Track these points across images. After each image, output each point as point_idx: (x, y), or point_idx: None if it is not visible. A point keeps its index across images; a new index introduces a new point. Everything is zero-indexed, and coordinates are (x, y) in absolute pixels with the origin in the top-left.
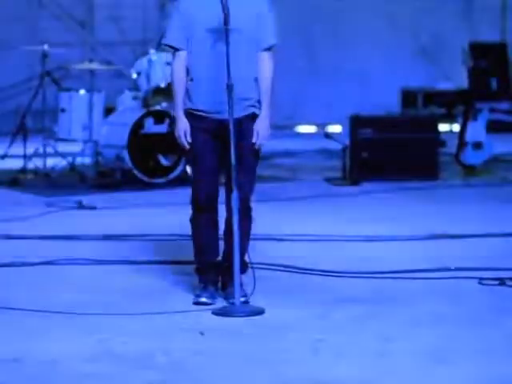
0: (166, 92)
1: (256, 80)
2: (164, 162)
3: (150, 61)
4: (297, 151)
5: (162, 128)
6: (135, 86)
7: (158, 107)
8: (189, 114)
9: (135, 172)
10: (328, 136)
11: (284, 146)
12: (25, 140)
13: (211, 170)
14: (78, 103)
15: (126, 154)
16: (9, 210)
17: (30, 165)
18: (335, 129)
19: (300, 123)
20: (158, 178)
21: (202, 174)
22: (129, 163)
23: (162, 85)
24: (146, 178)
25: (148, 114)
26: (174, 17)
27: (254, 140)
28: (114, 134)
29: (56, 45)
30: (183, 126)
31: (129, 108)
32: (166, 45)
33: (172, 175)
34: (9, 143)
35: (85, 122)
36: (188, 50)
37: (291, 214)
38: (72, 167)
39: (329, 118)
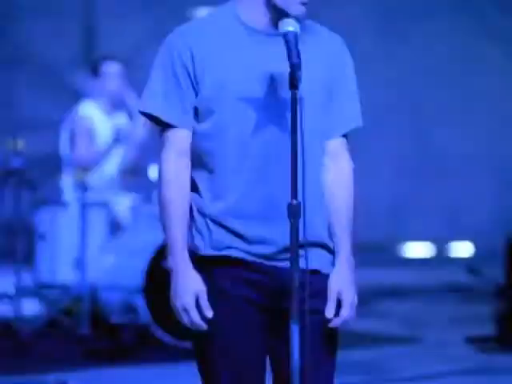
0: None
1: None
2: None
3: None
4: (410, 288)
5: None
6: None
7: None
8: (201, 263)
9: (155, 330)
10: (474, 272)
11: (388, 280)
12: None
13: (247, 371)
14: (65, 224)
15: (140, 301)
16: None
17: None
18: (462, 248)
19: (406, 241)
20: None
21: (227, 381)
22: (146, 316)
23: None
24: (171, 340)
25: None
26: (165, 69)
27: (329, 313)
28: (123, 268)
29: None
30: (192, 287)
31: (147, 224)
32: (147, 114)
33: None
34: None
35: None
36: (197, 135)
37: None
38: (54, 322)
39: (450, 231)
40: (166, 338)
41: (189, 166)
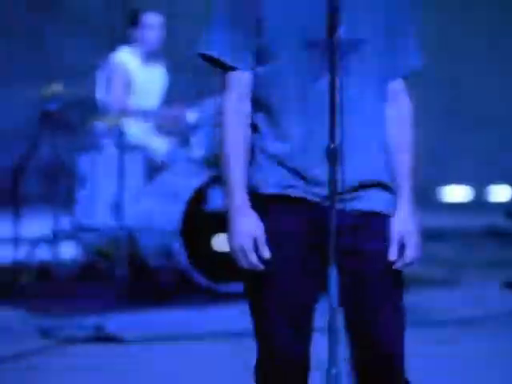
0: None
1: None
2: None
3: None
4: (448, 232)
5: None
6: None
7: None
8: (260, 201)
9: (192, 274)
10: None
11: (427, 224)
12: (17, 214)
13: (300, 314)
14: (102, 168)
15: (177, 245)
16: None
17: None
18: (501, 192)
19: (445, 185)
20: (229, 284)
21: (279, 323)
22: (182, 260)
23: None
24: (209, 284)
25: (215, 178)
26: (226, 8)
27: (392, 255)
28: (160, 212)
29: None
30: (250, 228)
31: (184, 168)
32: (207, 56)
33: None
34: None
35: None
36: (257, 78)
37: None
38: (92, 266)
39: (490, 175)
40: (203, 281)
41: (249, 108)
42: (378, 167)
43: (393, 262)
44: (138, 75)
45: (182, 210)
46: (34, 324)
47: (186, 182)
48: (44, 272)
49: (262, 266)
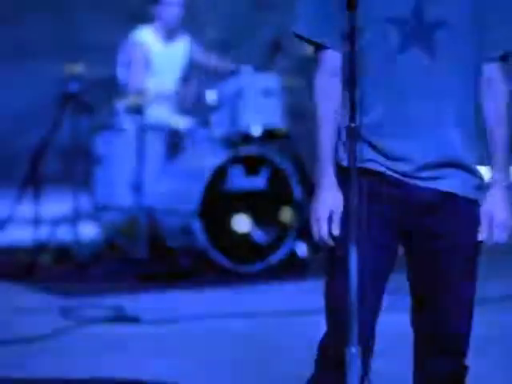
0: (261, 143)
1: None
2: (259, 237)
3: (239, 86)
4: None
5: (257, 182)
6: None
7: (252, 149)
8: (343, 174)
9: (212, 254)
10: None
11: None
12: (38, 195)
13: (369, 290)
14: (122, 147)
15: (197, 226)
16: (5, 324)
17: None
18: None
19: None
20: (249, 265)
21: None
22: (202, 240)
23: (255, 133)
24: (229, 264)
25: (235, 159)
26: None
27: (483, 234)
28: (180, 192)
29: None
30: (331, 203)
31: (205, 148)
32: (301, 37)
33: (272, 259)
34: (16, 201)
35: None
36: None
37: None
38: (111, 246)
39: None
40: (223, 261)
41: (340, 86)
42: (454, 145)
43: (469, 244)
44: (157, 53)
45: (201, 189)
46: (53, 305)
47: (206, 161)
48: (64, 252)
49: (331, 242)
